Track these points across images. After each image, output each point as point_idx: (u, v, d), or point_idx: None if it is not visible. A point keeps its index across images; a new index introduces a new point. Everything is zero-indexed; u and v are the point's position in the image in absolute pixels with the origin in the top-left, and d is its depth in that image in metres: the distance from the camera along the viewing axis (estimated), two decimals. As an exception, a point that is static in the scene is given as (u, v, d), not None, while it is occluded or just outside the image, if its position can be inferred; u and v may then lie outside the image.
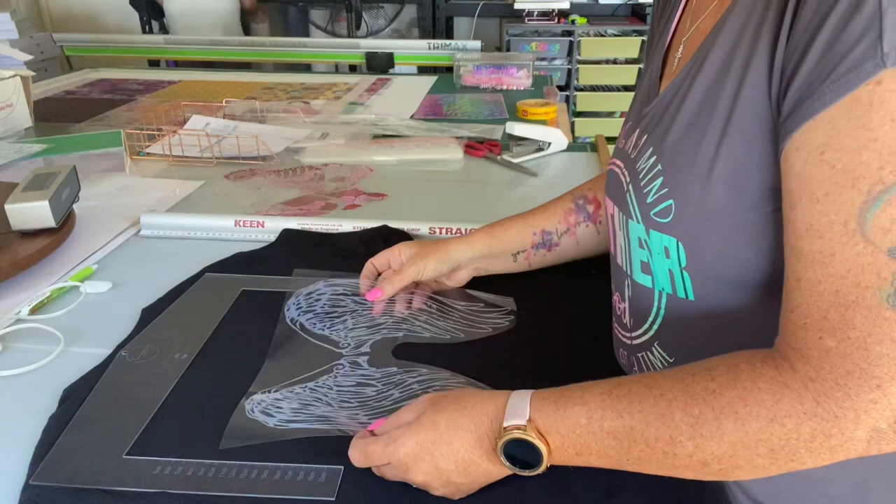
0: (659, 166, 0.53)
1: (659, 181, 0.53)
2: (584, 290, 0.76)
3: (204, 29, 2.82)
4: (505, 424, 0.46)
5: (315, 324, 0.71)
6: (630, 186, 0.57)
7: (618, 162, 0.61)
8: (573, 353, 0.67)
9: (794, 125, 0.41)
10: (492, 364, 0.65)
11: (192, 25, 2.86)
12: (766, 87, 0.44)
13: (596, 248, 0.77)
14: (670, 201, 0.51)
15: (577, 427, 0.45)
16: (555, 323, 0.72)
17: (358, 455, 0.51)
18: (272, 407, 0.58)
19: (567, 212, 0.77)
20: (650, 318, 0.57)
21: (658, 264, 0.54)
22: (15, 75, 1.48)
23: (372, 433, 0.53)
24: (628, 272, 0.59)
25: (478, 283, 0.79)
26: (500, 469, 0.48)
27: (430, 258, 0.73)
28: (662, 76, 0.60)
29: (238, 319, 0.73)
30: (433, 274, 0.74)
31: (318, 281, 0.76)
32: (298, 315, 0.72)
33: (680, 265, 0.52)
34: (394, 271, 0.74)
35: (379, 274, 0.77)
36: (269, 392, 0.60)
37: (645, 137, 0.56)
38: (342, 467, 0.52)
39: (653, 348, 0.58)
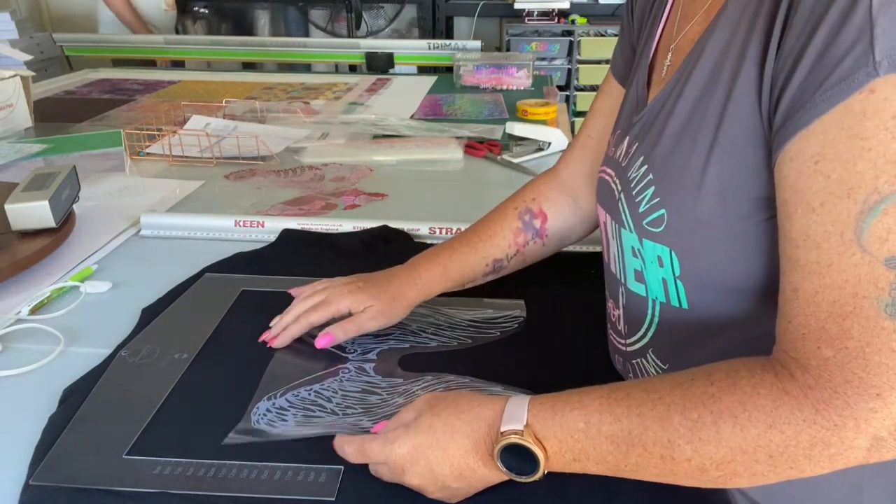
0: (650, 175, 0.53)
1: (650, 190, 0.53)
2: (593, 292, 0.76)
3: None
4: (502, 429, 0.46)
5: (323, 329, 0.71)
6: (622, 195, 0.57)
7: (608, 170, 0.61)
8: (580, 358, 0.67)
9: (788, 135, 0.41)
10: (496, 369, 0.64)
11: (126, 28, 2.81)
12: (756, 97, 0.44)
13: (540, 257, 0.76)
14: (662, 211, 0.51)
15: (574, 431, 0.45)
16: (562, 326, 0.72)
17: (354, 451, 0.51)
18: (277, 419, 0.58)
19: (515, 232, 0.73)
20: (644, 326, 0.57)
21: (651, 273, 0.54)
22: (15, 75, 1.48)
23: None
24: (622, 280, 0.59)
25: (487, 283, 0.78)
26: (496, 475, 0.48)
27: (391, 315, 0.68)
28: (650, 83, 0.59)
29: (238, 319, 0.73)
30: (393, 323, 0.69)
31: None
32: None
33: (674, 274, 0.52)
34: (348, 319, 0.67)
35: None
36: (275, 397, 0.60)
37: (636, 146, 0.56)
38: (342, 467, 0.52)
39: (647, 355, 0.58)
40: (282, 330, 0.68)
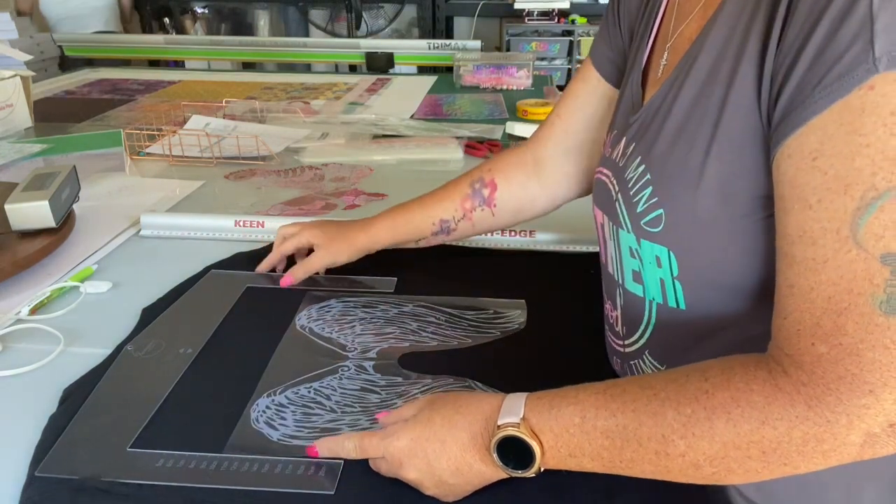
0: (648, 175, 0.53)
1: (648, 190, 0.53)
2: (593, 292, 0.76)
3: (86, 24, 2.83)
4: (499, 422, 0.46)
5: (324, 328, 0.71)
6: (619, 196, 0.57)
7: (605, 171, 0.61)
8: (580, 358, 0.67)
9: (786, 132, 0.41)
10: (496, 368, 0.65)
11: (74, 25, 2.83)
12: (755, 94, 0.44)
13: (490, 228, 0.81)
14: (661, 210, 0.51)
15: (570, 426, 0.45)
16: (562, 326, 0.72)
17: (353, 446, 0.51)
18: (276, 417, 0.58)
19: (464, 198, 0.78)
20: (641, 327, 0.57)
21: (649, 273, 0.54)
22: (15, 75, 1.48)
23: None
24: (620, 281, 0.59)
25: (488, 282, 0.79)
26: (493, 471, 0.48)
27: (341, 250, 0.79)
28: (645, 83, 0.59)
29: (242, 316, 0.73)
30: (344, 262, 0.80)
31: (330, 299, 0.77)
32: (308, 322, 0.72)
33: (672, 274, 0.52)
34: (305, 258, 0.80)
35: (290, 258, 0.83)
36: (275, 395, 0.60)
37: (633, 146, 0.56)
38: (342, 461, 0.52)
39: (644, 356, 0.58)
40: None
